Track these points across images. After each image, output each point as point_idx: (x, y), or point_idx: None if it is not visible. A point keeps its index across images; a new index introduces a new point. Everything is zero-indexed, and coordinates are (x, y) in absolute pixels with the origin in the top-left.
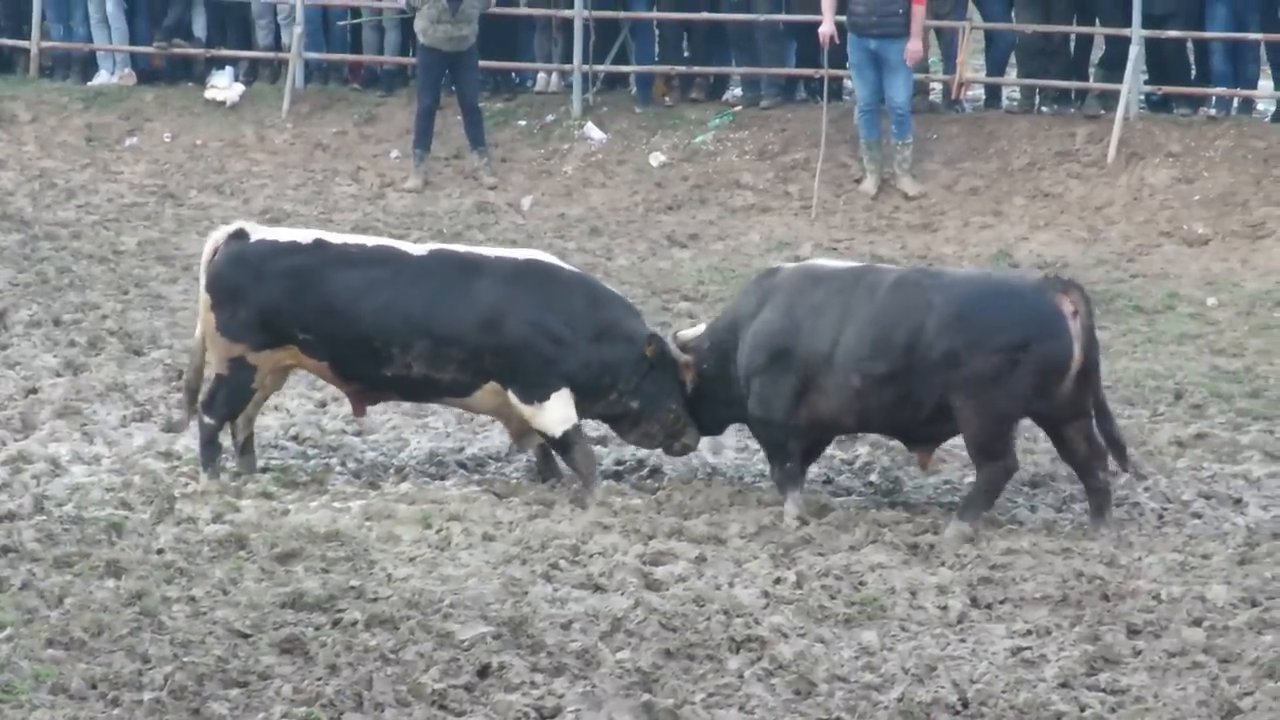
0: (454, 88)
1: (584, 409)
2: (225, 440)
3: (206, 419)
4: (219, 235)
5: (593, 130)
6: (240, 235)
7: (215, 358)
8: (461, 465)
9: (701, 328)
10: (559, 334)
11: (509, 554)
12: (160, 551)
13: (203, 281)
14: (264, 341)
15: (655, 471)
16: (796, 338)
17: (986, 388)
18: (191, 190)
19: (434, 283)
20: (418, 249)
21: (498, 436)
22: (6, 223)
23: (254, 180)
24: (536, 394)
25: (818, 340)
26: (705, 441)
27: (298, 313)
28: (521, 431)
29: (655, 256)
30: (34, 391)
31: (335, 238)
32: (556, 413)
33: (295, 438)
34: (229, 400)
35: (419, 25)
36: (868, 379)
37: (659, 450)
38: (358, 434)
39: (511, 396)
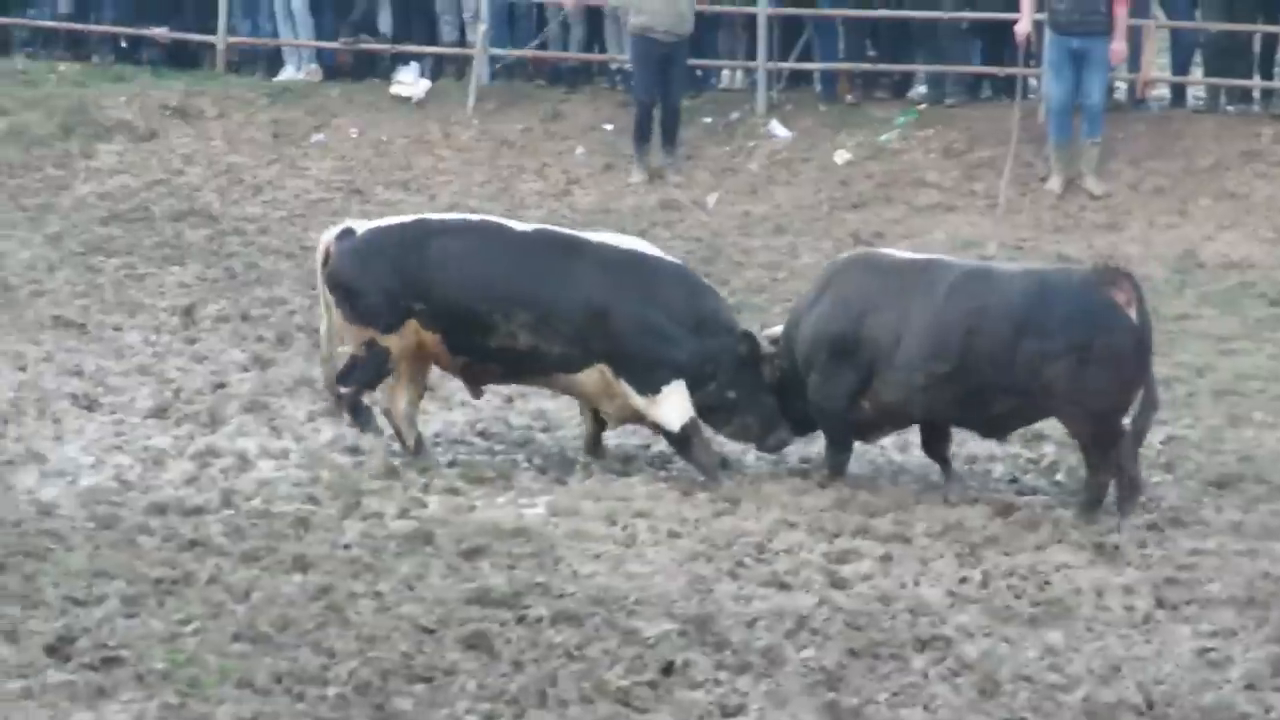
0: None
1: None
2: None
3: (343, 389)
4: (327, 238)
5: (777, 128)
6: (348, 234)
7: (350, 343)
8: (648, 461)
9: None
10: (663, 325)
11: (694, 551)
12: (347, 547)
13: (321, 284)
14: (389, 321)
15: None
16: (858, 330)
17: (1070, 395)
18: (378, 186)
19: (535, 258)
20: (522, 225)
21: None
22: (195, 218)
23: (439, 176)
24: (650, 386)
25: (880, 334)
26: (891, 439)
27: (407, 283)
28: (623, 418)
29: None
30: (222, 386)
31: (437, 215)
32: (672, 407)
33: (482, 433)
34: (364, 372)
35: (637, 12)
36: (933, 386)
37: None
38: (544, 430)
39: (624, 387)
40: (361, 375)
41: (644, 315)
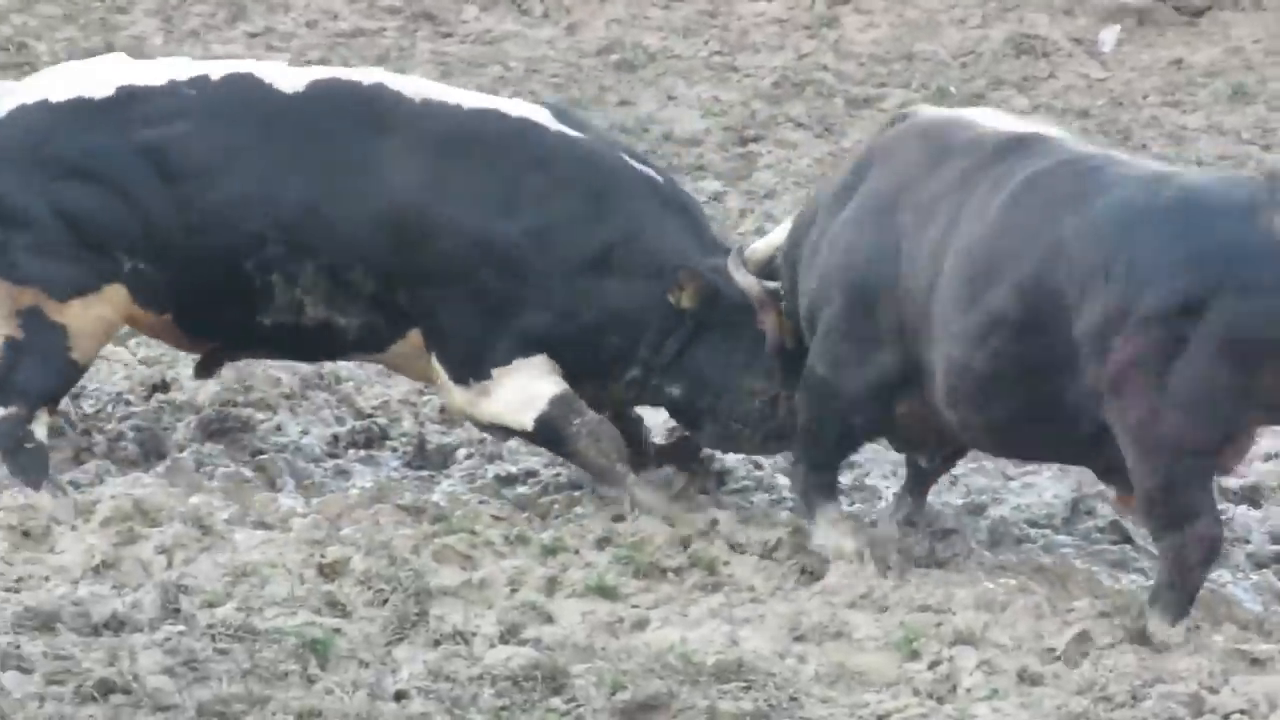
0: None
1: (586, 395)
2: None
3: (2, 409)
4: None
5: None
6: None
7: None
8: (982, 535)
9: (784, 230)
10: (516, 255)
11: (1069, 710)
12: (401, 696)
13: None
14: (73, 281)
15: None
16: (894, 257)
17: (1143, 388)
18: (469, 7)
19: (321, 146)
20: (293, 79)
21: (1048, 477)
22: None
23: None
24: (471, 368)
25: (917, 267)
26: None
27: (116, 221)
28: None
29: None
30: (162, 389)
31: (155, 72)
32: (511, 395)
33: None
34: (43, 374)
35: None
36: (969, 356)
37: None
38: (774, 465)
39: (438, 371)
40: (27, 380)
41: (477, 230)
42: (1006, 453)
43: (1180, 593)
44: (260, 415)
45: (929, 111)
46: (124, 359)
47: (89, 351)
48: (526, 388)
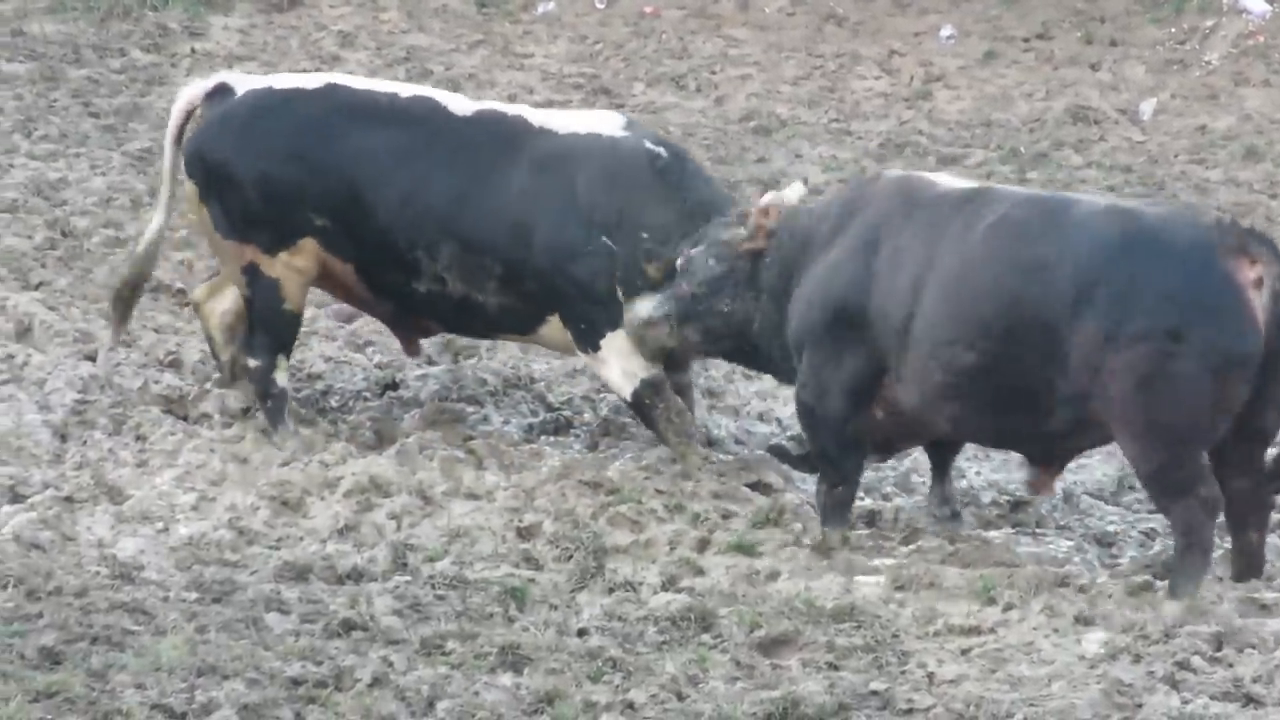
0: None
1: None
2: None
3: (251, 361)
4: (194, 93)
5: None
6: (222, 92)
7: (229, 271)
8: (1044, 514)
9: (796, 192)
10: (601, 247)
11: (1116, 645)
12: (583, 633)
13: (172, 159)
14: (274, 237)
15: None
16: (868, 293)
17: (1136, 398)
18: (636, 83)
19: (471, 158)
20: (464, 106)
21: (1098, 459)
22: None
23: (730, 69)
24: (589, 337)
25: (893, 300)
26: None
27: (307, 185)
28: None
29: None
30: (393, 387)
31: (357, 83)
32: (617, 361)
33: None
34: (270, 327)
35: None
36: (954, 371)
37: None
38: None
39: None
40: (268, 332)
41: (573, 229)
42: (984, 439)
43: (1197, 559)
44: (470, 409)
45: (902, 172)
46: (363, 364)
47: (298, 301)
48: (627, 361)
